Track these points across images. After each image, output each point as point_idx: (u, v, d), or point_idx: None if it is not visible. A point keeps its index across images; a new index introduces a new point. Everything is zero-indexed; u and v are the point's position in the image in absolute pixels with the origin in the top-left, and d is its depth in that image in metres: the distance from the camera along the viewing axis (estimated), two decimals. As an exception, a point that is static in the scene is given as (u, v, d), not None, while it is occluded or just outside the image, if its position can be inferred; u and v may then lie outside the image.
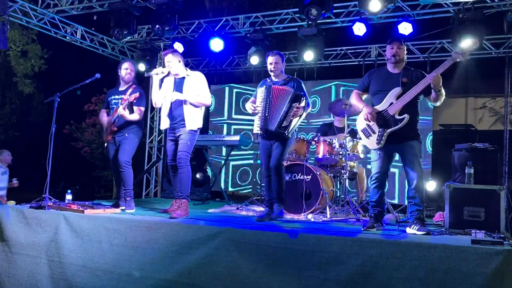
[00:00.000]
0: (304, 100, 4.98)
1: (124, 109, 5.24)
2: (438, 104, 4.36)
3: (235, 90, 9.69)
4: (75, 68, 13.46)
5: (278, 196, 5.07)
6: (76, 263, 4.59)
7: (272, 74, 5.19)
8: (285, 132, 4.94)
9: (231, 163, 9.54)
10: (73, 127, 13.18)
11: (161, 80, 5.37)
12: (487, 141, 4.77)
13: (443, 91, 4.21)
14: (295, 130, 5.20)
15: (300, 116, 5.01)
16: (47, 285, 4.68)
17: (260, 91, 5.11)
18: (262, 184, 6.02)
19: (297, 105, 4.95)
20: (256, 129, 5.08)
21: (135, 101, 5.26)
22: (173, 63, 5.19)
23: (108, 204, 5.76)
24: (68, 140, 13.16)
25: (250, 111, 5.19)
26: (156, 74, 5.22)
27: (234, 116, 9.70)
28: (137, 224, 4.47)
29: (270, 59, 5.15)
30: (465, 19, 6.50)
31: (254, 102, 5.19)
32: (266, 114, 4.99)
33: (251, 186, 9.45)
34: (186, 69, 5.30)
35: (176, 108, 5.19)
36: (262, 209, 5.58)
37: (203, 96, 5.20)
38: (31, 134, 16.30)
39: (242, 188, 9.44)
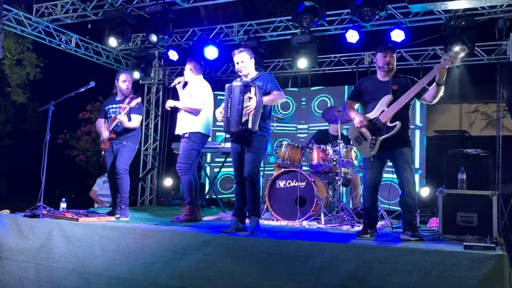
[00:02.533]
0: (254, 89, 4.33)
1: (125, 115, 5.32)
2: (435, 101, 4.24)
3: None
4: (70, 76, 13.44)
5: (253, 208, 4.54)
6: (66, 267, 4.62)
7: (240, 74, 4.68)
8: (247, 127, 4.31)
9: (227, 170, 9.52)
10: (67, 136, 13.15)
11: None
12: (481, 146, 4.79)
13: (443, 87, 4.16)
14: (269, 132, 4.63)
15: (258, 106, 4.33)
16: None
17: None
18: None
19: (249, 95, 4.31)
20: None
21: (136, 106, 5.32)
22: (186, 70, 5.50)
23: (103, 212, 5.76)
24: (63, 149, 13.12)
25: (219, 119, 4.69)
26: (177, 83, 5.49)
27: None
28: (131, 231, 4.49)
29: (236, 58, 4.62)
30: (456, 26, 6.58)
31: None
32: (228, 115, 4.46)
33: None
34: (196, 76, 5.48)
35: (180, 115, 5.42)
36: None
37: (194, 99, 5.29)
38: (26, 142, 16.25)
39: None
